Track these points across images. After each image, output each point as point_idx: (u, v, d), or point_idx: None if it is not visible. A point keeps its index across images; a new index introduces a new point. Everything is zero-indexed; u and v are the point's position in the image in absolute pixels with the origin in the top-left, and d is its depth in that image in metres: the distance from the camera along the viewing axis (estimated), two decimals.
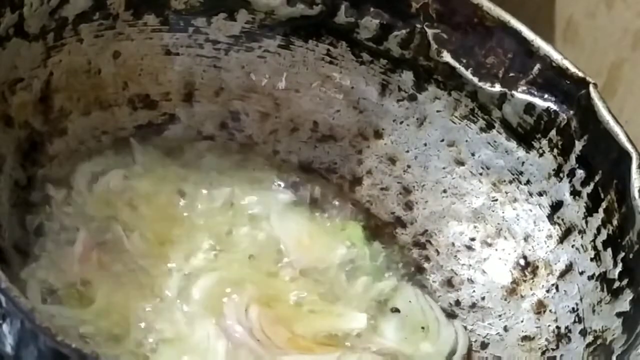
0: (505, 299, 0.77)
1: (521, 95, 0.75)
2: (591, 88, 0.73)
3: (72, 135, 0.75)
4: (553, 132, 0.75)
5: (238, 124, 0.81)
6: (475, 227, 0.79)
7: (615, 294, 0.70)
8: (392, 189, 0.81)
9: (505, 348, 0.75)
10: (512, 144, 0.77)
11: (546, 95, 0.75)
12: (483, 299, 0.77)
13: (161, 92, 0.79)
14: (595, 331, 0.70)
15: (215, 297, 0.71)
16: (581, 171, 0.74)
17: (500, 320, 0.76)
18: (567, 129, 0.74)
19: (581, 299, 0.73)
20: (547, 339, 0.74)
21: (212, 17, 0.78)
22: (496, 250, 0.78)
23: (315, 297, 0.75)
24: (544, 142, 0.75)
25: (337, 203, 0.81)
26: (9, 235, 0.68)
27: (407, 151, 0.81)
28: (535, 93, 0.75)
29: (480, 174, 0.79)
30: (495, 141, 0.78)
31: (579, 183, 0.74)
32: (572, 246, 0.74)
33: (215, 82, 0.80)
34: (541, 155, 0.76)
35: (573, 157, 0.74)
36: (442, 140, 0.80)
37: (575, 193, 0.74)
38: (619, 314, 0.69)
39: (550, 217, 0.76)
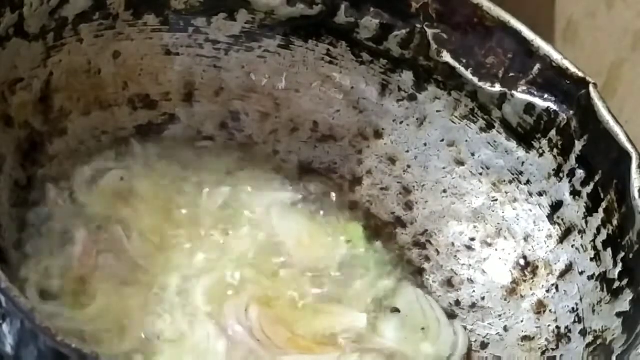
0: (505, 299, 0.77)
1: (521, 95, 0.75)
2: (591, 88, 0.73)
3: (72, 135, 0.75)
4: (553, 132, 0.75)
5: (238, 124, 0.81)
6: (475, 227, 0.79)
7: (615, 294, 0.70)
8: (392, 189, 0.81)
9: (505, 348, 0.75)
10: (512, 144, 0.77)
11: (546, 95, 0.75)
12: (483, 299, 0.77)
13: (161, 92, 0.79)
14: (595, 331, 0.70)
15: (216, 297, 0.71)
16: (581, 171, 0.74)
17: (500, 320, 0.76)
18: (567, 129, 0.74)
19: (581, 299, 0.73)
20: (547, 339, 0.74)
21: (212, 17, 0.78)
22: (496, 250, 0.78)
23: (315, 297, 0.75)
24: (544, 142, 0.75)
25: (337, 203, 0.81)
26: (9, 235, 0.68)
27: (407, 151, 0.81)
28: (535, 93, 0.75)
29: (480, 174, 0.79)
30: (495, 141, 0.78)
31: (579, 183, 0.74)
32: (572, 246, 0.74)
33: (215, 82, 0.80)
34: (541, 155, 0.76)
35: (573, 157, 0.74)
36: (442, 140, 0.80)
37: (575, 193, 0.74)
38: (619, 314, 0.69)
39: (550, 217, 0.76)
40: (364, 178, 0.82)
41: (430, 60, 0.78)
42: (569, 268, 0.74)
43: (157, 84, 0.79)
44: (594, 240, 0.73)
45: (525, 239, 0.77)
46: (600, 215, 0.72)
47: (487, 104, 0.77)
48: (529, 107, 0.75)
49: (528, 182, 0.77)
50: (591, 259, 0.73)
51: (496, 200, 0.79)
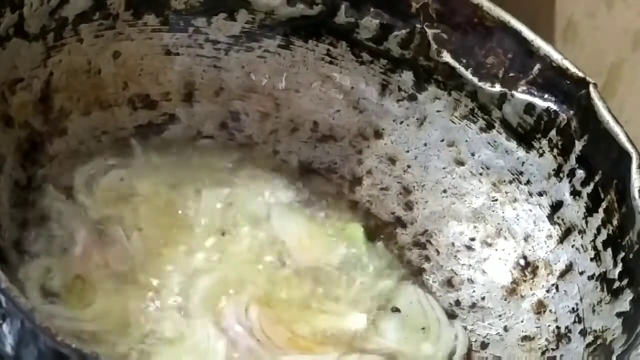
0: (505, 299, 0.77)
1: (521, 95, 0.75)
2: (591, 88, 0.73)
3: (72, 135, 0.75)
4: (553, 132, 0.75)
5: (238, 124, 0.81)
6: (475, 227, 0.79)
7: (615, 294, 0.70)
8: (392, 189, 0.81)
9: (505, 348, 0.75)
10: (512, 144, 0.77)
11: (546, 95, 0.75)
12: (483, 299, 0.77)
13: (161, 92, 0.79)
14: (595, 331, 0.70)
15: (216, 297, 0.71)
16: (581, 171, 0.74)
17: (500, 320, 0.76)
18: (567, 129, 0.74)
19: (581, 299, 0.73)
20: (547, 339, 0.74)
21: (212, 17, 0.78)
22: (496, 250, 0.78)
23: (315, 297, 0.75)
24: (544, 142, 0.75)
25: (337, 203, 0.81)
26: (9, 235, 0.68)
27: (407, 151, 0.81)
28: (535, 93, 0.75)
29: (480, 174, 0.79)
30: (495, 141, 0.78)
31: (579, 183, 0.74)
32: (572, 246, 0.74)
33: (215, 82, 0.80)
34: (541, 155, 0.76)
35: (573, 157, 0.74)
36: (442, 140, 0.80)
37: (575, 193, 0.74)
38: (619, 314, 0.69)
39: (550, 217, 0.76)
40: (364, 178, 0.82)
41: (430, 60, 0.78)
42: (569, 268, 0.74)
43: (157, 84, 0.79)
44: (594, 240, 0.73)
45: (525, 239, 0.77)
46: (600, 215, 0.72)
47: (487, 104, 0.77)
48: (529, 107, 0.75)
49: (528, 182, 0.77)
50: (591, 259, 0.73)
51: (496, 200, 0.79)
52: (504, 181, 0.78)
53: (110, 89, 0.77)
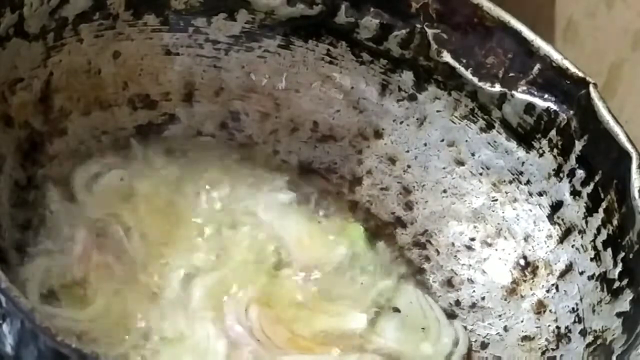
0: (505, 299, 0.77)
1: (521, 95, 0.75)
2: (591, 88, 0.73)
3: (72, 135, 0.75)
4: (553, 132, 0.75)
5: (238, 124, 0.81)
6: (475, 227, 0.79)
7: (615, 294, 0.70)
8: (392, 189, 0.81)
9: (505, 348, 0.75)
10: (512, 144, 0.77)
11: (546, 95, 0.75)
12: (483, 299, 0.77)
13: (161, 92, 0.79)
14: (595, 331, 0.70)
15: (215, 297, 0.71)
16: (581, 171, 0.74)
17: (500, 320, 0.76)
18: (567, 129, 0.74)
19: (581, 299, 0.73)
20: (547, 339, 0.74)
21: (212, 17, 0.78)
22: (496, 250, 0.78)
23: (315, 297, 0.75)
24: (544, 142, 0.75)
25: (337, 203, 0.81)
26: (9, 235, 0.68)
27: (407, 151, 0.81)
28: (535, 93, 0.75)
29: (480, 174, 0.79)
30: (495, 141, 0.78)
31: (579, 183, 0.74)
32: (572, 246, 0.74)
33: (215, 82, 0.80)
34: (541, 155, 0.76)
35: (573, 157, 0.74)
36: (442, 140, 0.80)
37: (575, 193, 0.74)
38: (619, 314, 0.69)
39: (550, 217, 0.76)
40: (364, 178, 0.82)
41: (430, 60, 0.78)
42: (569, 268, 0.74)
43: (157, 84, 0.79)
44: (594, 240, 0.73)
45: (525, 239, 0.77)
46: (600, 215, 0.72)
47: (487, 104, 0.77)
48: (529, 107, 0.75)
49: (528, 182, 0.77)
50: (591, 259, 0.73)
51: (496, 200, 0.79)
52: (504, 181, 0.78)
53: (110, 89, 0.77)
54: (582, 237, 0.74)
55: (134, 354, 0.67)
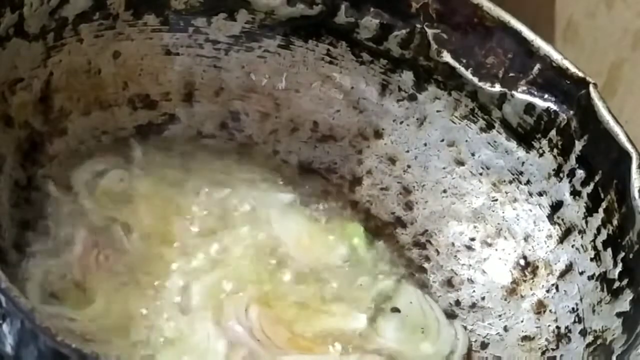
0: (505, 299, 0.77)
1: (521, 95, 0.75)
2: (591, 88, 0.73)
3: (72, 135, 0.75)
4: (553, 132, 0.75)
5: (238, 124, 0.81)
6: (475, 227, 0.79)
7: (615, 294, 0.70)
8: (392, 189, 0.81)
9: (505, 348, 0.75)
10: (512, 144, 0.77)
11: (546, 95, 0.75)
12: (483, 299, 0.77)
13: (161, 92, 0.79)
14: (595, 331, 0.70)
15: (216, 297, 0.71)
16: (581, 171, 0.74)
17: (500, 320, 0.76)
18: (567, 129, 0.74)
19: (581, 299, 0.73)
20: (547, 339, 0.74)
21: (212, 17, 0.78)
22: (496, 250, 0.78)
23: (315, 297, 0.75)
24: (544, 142, 0.75)
25: (337, 203, 0.81)
26: (9, 235, 0.68)
27: (407, 151, 0.81)
28: (535, 93, 0.75)
29: (480, 174, 0.79)
30: (495, 141, 0.78)
31: (579, 183, 0.74)
32: (572, 246, 0.74)
33: (215, 82, 0.80)
34: (541, 155, 0.76)
35: (573, 157, 0.74)
36: (442, 140, 0.80)
37: (575, 193, 0.74)
38: (619, 314, 0.69)
39: (550, 217, 0.76)
40: (364, 178, 0.82)
41: (430, 60, 0.78)
42: (569, 268, 0.74)
43: (157, 84, 0.79)
44: (594, 240, 0.73)
45: (525, 239, 0.77)
46: (600, 215, 0.72)
47: (487, 104, 0.77)
48: (529, 107, 0.75)
49: (528, 182, 0.77)
50: (591, 259, 0.73)
51: (496, 200, 0.79)
52: (504, 181, 0.78)
53: (110, 89, 0.77)
54: (582, 237, 0.74)
55: (134, 354, 0.67)
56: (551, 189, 0.76)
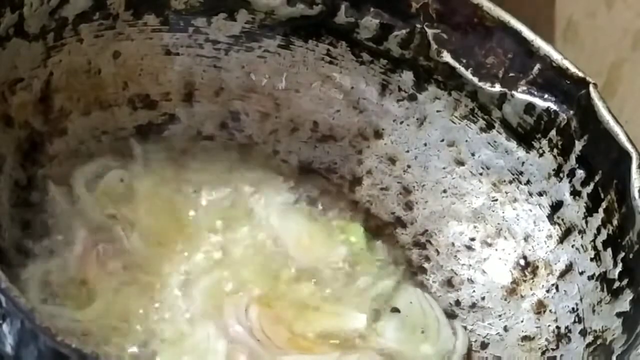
0: (505, 299, 0.77)
1: (521, 95, 0.75)
2: (591, 88, 0.73)
3: (72, 135, 0.75)
4: (553, 132, 0.75)
5: (238, 124, 0.81)
6: (475, 227, 0.79)
7: (615, 294, 0.70)
8: (392, 189, 0.81)
9: (505, 348, 0.75)
10: (512, 144, 0.77)
11: (546, 95, 0.75)
12: (483, 299, 0.77)
13: (161, 92, 0.79)
14: (595, 331, 0.70)
15: (216, 297, 0.71)
16: (581, 171, 0.74)
17: (500, 320, 0.76)
18: (567, 129, 0.74)
19: (581, 299, 0.73)
20: (547, 339, 0.74)
21: (212, 17, 0.78)
22: (496, 250, 0.78)
23: (315, 297, 0.75)
24: (544, 142, 0.75)
25: (337, 203, 0.81)
26: (9, 235, 0.68)
27: (407, 151, 0.81)
28: (535, 93, 0.75)
29: (480, 174, 0.79)
30: (495, 141, 0.78)
31: (579, 183, 0.74)
32: (572, 246, 0.74)
33: (215, 82, 0.80)
34: (541, 155, 0.76)
35: (573, 157, 0.74)
36: (442, 140, 0.80)
37: (575, 193, 0.74)
38: (619, 314, 0.69)
39: (550, 217, 0.76)
40: (364, 178, 0.82)
41: (430, 60, 0.78)
42: (569, 268, 0.74)
43: (157, 84, 0.79)
44: (594, 240, 0.73)
45: (525, 239, 0.77)
46: (600, 215, 0.72)
47: (487, 104, 0.77)
48: (529, 107, 0.75)
49: (528, 182, 0.77)
50: (591, 259, 0.73)
51: (496, 200, 0.79)
52: (504, 181, 0.78)
53: (110, 89, 0.77)
54: (582, 237, 0.74)
55: (134, 354, 0.67)
56: (551, 189, 0.76)
